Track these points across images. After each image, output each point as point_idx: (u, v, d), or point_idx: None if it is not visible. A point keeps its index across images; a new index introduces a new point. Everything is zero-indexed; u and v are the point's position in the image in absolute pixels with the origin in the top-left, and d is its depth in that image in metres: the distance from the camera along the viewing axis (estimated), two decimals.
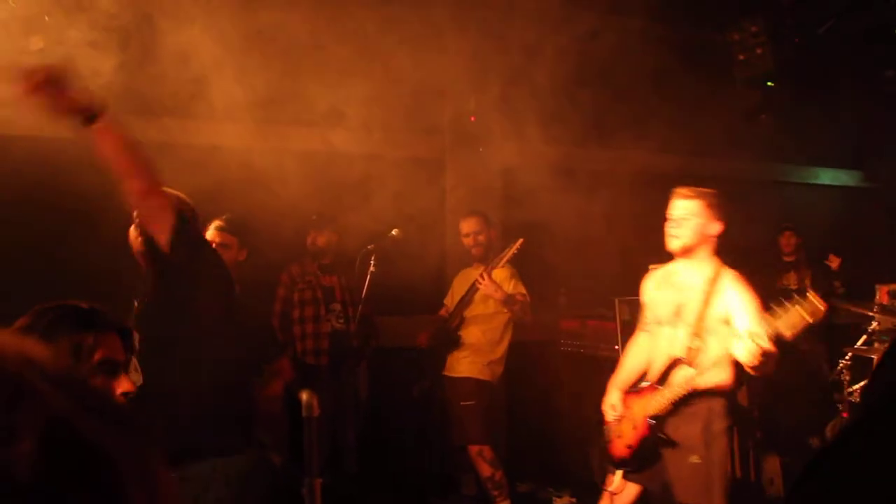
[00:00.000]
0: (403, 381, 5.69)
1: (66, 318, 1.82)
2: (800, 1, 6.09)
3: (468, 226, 5.49)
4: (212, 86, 4.51)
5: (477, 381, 5.28)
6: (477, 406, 5.23)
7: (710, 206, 3.75)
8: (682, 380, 3.64)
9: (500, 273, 5.26)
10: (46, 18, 3.55)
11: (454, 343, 5.33)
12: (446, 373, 5.40)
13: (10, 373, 0.59)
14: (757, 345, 3.21)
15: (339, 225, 5.53)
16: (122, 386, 1.85)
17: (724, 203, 3.80)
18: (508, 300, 5.20)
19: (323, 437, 5.12)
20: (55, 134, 5.13)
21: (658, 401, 3.71)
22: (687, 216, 3.75)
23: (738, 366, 3.53)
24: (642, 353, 4.02)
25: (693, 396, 3.63)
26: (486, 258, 5.43)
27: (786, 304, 3.26)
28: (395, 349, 5.81)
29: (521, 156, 6.66)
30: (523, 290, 5.34)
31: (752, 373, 3.43)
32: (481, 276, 5.18)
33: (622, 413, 3.93)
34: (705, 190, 3.83)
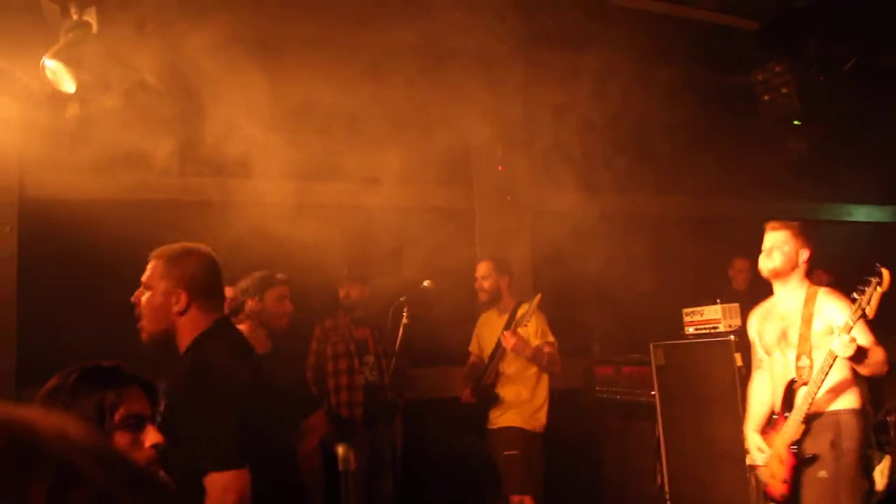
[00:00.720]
0: (438, 432, 5.67)
1: (89, 378, 1.85)
2: (823, 39, 6.10)
3: (478, 270, 5.54)
4: (249, 147, 4.64)
5: (521, 431, 5.24)
6: (520, 456, 5.18)
7: (798, 235, 4.05)
8: (802, 398, 3.79)
9: (527, 327, 5.24)
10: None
11: (493, 399, 5.31)
12: (490, 426, 5.37)
13: (56, 458, 0.62)
14: (850, 337, 3.49)
15: (371, 278, 5.57)
16: (150, 438, 1.87)
17: (811, 232, 4.13)
18: (536, 355, 5.18)
19: (359, 489, 5.12)
20: (95, 196, 5.32)
21: (791, 426, 3.82)
22: (777, 245, 4.03)
23: (860, 378, 3.82)
24: (764, 390, 4.15)
25: (819, 412, 3.80)
26: (496, 303, 5.46)
27: (863, 288, 3.62)
28: (430, 401, 5.81)
29: (549, 203, 6.70)
30: (551, 339, 5.31)
31: (860, 370, 3.71)
32: (504, 335, 5.15)
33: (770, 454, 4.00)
34: (792, 222, 4.13)
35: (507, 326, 5.27)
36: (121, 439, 1.81)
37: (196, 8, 4.29)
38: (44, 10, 4.12)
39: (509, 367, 5.30)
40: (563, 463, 5.92)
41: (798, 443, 3.80)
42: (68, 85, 3.97)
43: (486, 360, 5.45)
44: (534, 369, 5.29)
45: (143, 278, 2.73)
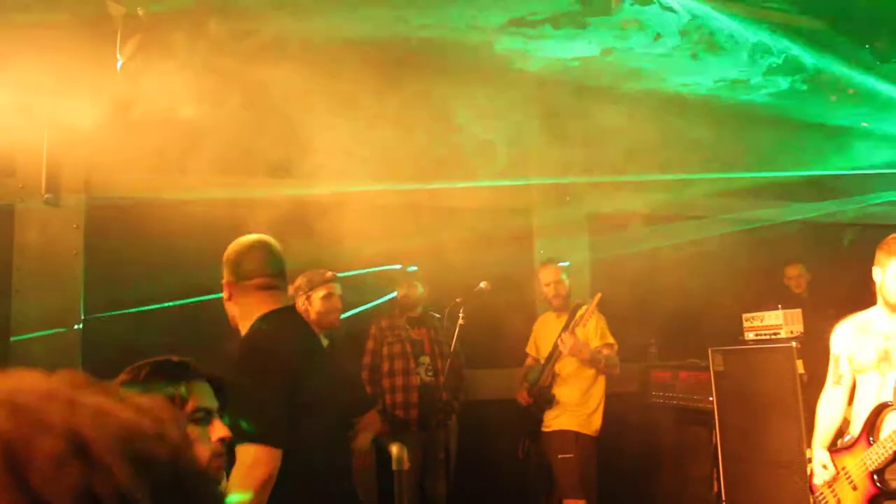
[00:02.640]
0: (494, 433, 5.66)
1: (160, 372, 1.90)
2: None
3: (548, 275, 5.49)
4: (308, 147, 4.70)
5: (576, 434, 5.23)
6: (575, 459, 5.17)
7: None
8: None
9: (585, 327, 5.22)
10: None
11: (549, 401, 5.30)
12: (545, 429, 5.36)
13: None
14: None
15: (429, 278, 5.59)
16: (218, 432, 1.91)
17: None
18: (594, 358, 5.16)
19: (412, 489, 5.14)
20: (158, 195, 5.44)
21: (878, 453, 3.56)
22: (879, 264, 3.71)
23: None
24: (838, 408, 3.93)
25: None
26: (565, 306, 5.44)
27: None
28: (485, 402, 5.80)
29: (608, 203, 6.65)
30: (611, 340, 5.28)
31: None
32: (562, 338, 5.13)
33: (834, 475, 3.79)
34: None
35: (566, 328, 5.25)
36: (189, 433, 1.85)
37: (253, 11, 4.36)
38: (110, 12, 4.22)
39: (565, 369, 5.28)
40: (618, 468, 5.86)
41: (881, 472, 3.54)
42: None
43: (543, 362, 5.43)
44: (590, 372, 5.26)
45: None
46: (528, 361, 5.69)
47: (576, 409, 5.25)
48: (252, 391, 2.56)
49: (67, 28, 4.20)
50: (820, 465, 3.86)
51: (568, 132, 5.99)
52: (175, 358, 1.97)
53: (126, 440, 0.63)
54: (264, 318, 2.77)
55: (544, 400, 5.30)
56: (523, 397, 5.47)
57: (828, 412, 3.97)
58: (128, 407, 0.67)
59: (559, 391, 5.28)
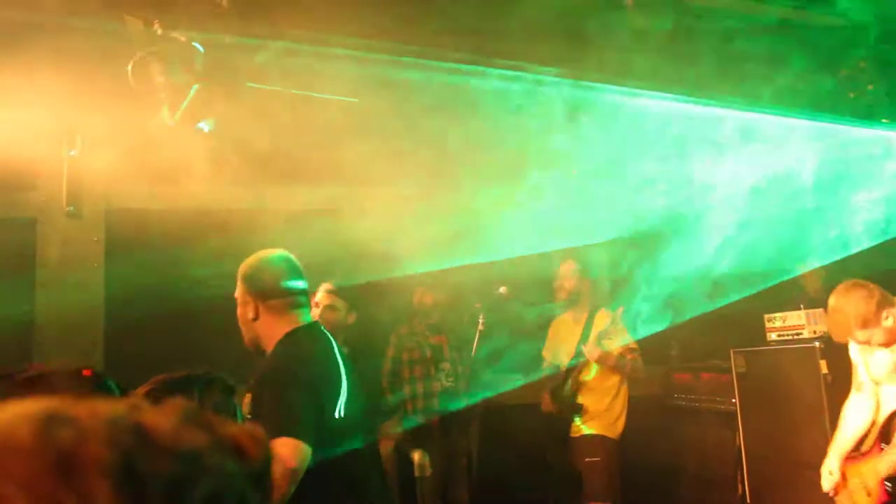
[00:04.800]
0: (515, 438, 5.64)
1: (180, 386, 1.92)
2: None
3: (560, 270, 5.50)
4: (328, 156, 4.72)
5: (602, 438, 5.22)
6: (601, 463, 5.15)
7: None
8: None
9: (605, 324, 5.19)
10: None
11: (576, 409, 5.28)
12: (572, 434, 5.34)
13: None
14: None
15: (446, 284, 5.58)
16: None
17: None
18: (619, 364, 5.15)
19: (434, 496, 5.13)
20: (177, 207, 5.48)
21: (887, 460, 3.57)
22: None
23: None
24: (862, 414, 3.89)
25: None
26: (572, 306, 5.44)
27: None
28: (506, 407, 5.78)
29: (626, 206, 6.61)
30: (633, 344, 5.26)
31: None
32: (588, 348, 5.10)
33: (840, 481, 3.79)
34: None
35: (584, 332, 5.23)
36: None
37: (273, 16, 4.38)
38: (127, 26, 4.25)
39: (589, 375, 5.26)
40: (642, 471, 5.82)
41: (893, 479, 3.55)
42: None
43: (561, 366, 5.41)
44: (615, 378, 5.25)
45: (235, 294, 2.91)
46: (545, 365, 5.66)
47: (601, 414, 5.25)
48: (274, 396, 2.60)
49: (87, 43, 4.24)
50: (826, 470, 3.86)
51: None
52: (196, 371, 1.99)
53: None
54: (290, 336, 2.81)
55: (572, 410, 5.28)
56: (546, 404, 5.45)
57: (851, 418, 3.93)
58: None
59: (584, 398, 5.27)
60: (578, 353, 5.25)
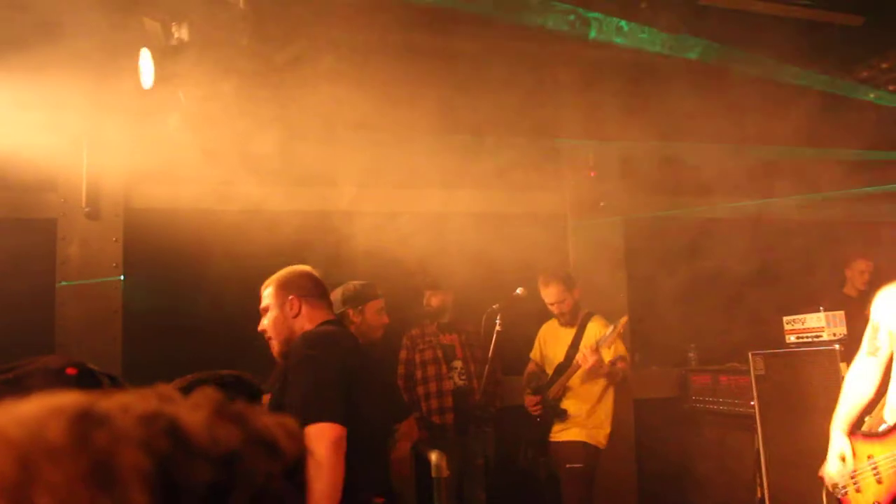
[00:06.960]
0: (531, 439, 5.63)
1: (207, 384, 1.91)
2: None
3: (550, 296, 5.28)
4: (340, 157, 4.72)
5: (584, 445, 5.15)
6: (583, 470, 5.10)
7: None
8: None
9: (604, 332, 5.11)
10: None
11: (560, 415, 5.23)
12: (552, 438, 5.28)
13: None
14: None
15: (453, 284, 5.57)
16: None
17: None
18: (611, 372, 5.08)
19: (451, 497, 5.13)
20: (196, 207, 5.51)
21: None
22: None
23: None
24: (870, 381, 3.36)
25: None
26: (574, 319, 5.33)
27: None
28: (522, 407, 5.77)
29: (642, 208, 6.60)
30: (623, 352, 5.18)
31: None
32: (584, 355, 4.97)
33: (855, 465, 3.29)
34: None
35: (576, 339, 5.19)
36: None
37: (289, 21, 4.39)
38: (146, 29, 4.28)
39: (576, 381, 5.21)
40: (660, 474, 5.80)
41: None
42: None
43: (549, 371, 5.39)
44: (600, 385, 5.18)
45: (262, 306, 3.06)
46: (531, 367, 5.61)
47: (585, 420, 5.18)
48: (304, 379, 2.69)
49: (103, 45, 4.27)
50: (837, 455, 3.36)
51: None
52: (223, 372, 1.99)
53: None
54: (322, 325, 2.98)
55: (554, 413, 5.23)
56: (532, 404, 5.39)
57: (857, 385, 3.42)
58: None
59: (568, 404, 5.21)
60: (568, 358, 5.20)
